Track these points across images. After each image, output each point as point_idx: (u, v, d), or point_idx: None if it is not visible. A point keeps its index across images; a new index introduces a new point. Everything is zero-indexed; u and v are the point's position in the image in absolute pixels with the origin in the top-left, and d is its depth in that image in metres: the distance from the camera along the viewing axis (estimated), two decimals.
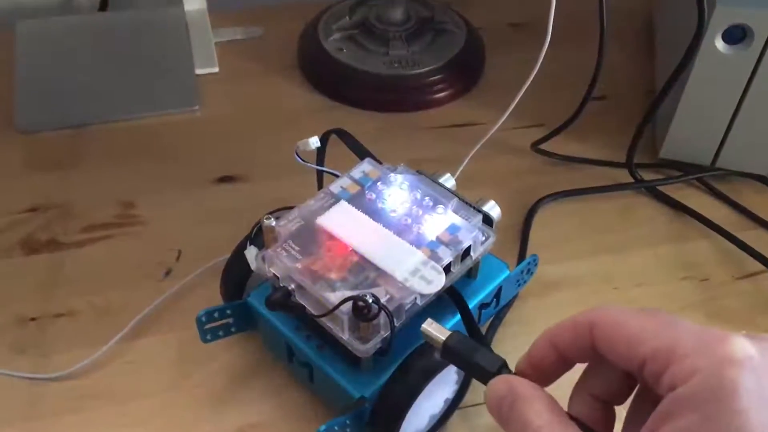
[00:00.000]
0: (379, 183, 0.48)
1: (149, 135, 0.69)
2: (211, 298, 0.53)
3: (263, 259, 0.44)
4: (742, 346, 0.26)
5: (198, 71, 0.75)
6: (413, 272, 0.42)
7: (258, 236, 0.48)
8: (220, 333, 0.48)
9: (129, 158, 0.67)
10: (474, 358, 0.33)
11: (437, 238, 0.45)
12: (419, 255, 0.43)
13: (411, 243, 0.44)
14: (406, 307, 0.42)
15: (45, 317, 0.54)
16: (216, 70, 0.75)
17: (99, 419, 0.49)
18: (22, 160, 0.66)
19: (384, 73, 0.72)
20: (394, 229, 0.45)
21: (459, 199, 0.47)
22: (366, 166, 0.50)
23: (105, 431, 0.49)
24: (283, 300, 0.43)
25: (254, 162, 0.66)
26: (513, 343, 0.53)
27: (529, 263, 0.52)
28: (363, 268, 0.43)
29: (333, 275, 0.43)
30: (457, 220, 0.46)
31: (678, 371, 0.26)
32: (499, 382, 0.31)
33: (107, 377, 0.51)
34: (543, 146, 0.66)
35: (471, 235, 0.45)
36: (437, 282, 0.42)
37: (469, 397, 0.49)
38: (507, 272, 0.51)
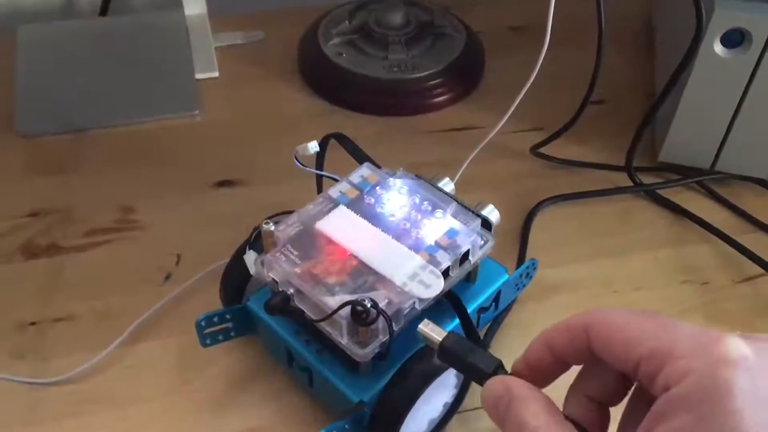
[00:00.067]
0: (377, 187, 0.48)
1: (149, 139, 0.69)
2: (210, 302, 0.53)
3: (262, 263, 0.44)
4: (736, 346, 0.26)
5: (198, 76, 0.75)
6: (412, 277, 0.42)
7: (257, 241, 0.48)
8: (220, 337, 0.48)
9: (129, 163, 0.67)
10: (470, 358, 0.33)
11: (436, 242, 0.45)
12: (418, 259, 0.43)
13: (410, 247, 0.44)
14: (405, 312, 0.42)
15: (45, 322, 0.54)
16: (216, 74, 0.75)
17: (99, 424, 0.49)
18: (22, 165, 0.66)
19: (383, 78, 0.72)
20: (393, 233, 0.45)
21: (458, 203, 0.47)
22: (365, 170, 0.50)
23: None
24: (282, 304, 0.43)
25: (254, 166, 0.66)
26: (512, 347, 0.53)
27: (528, 267, 0.52)
28: (362, 272, 0.43)
29: (332, 280, 0.43)
30: (456, 224, 0.46)
31: (672, 372, 0.26)
32: (495, 382, 0.31)
33: (107, 382, 0.51)
34: (542, 150, 0.66)
35: (469, 239, 0.45)
36: (436, 286, 0.42)
37: (468, 402, 0.49)
38: (506, 276, 0.51)
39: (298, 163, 0.49)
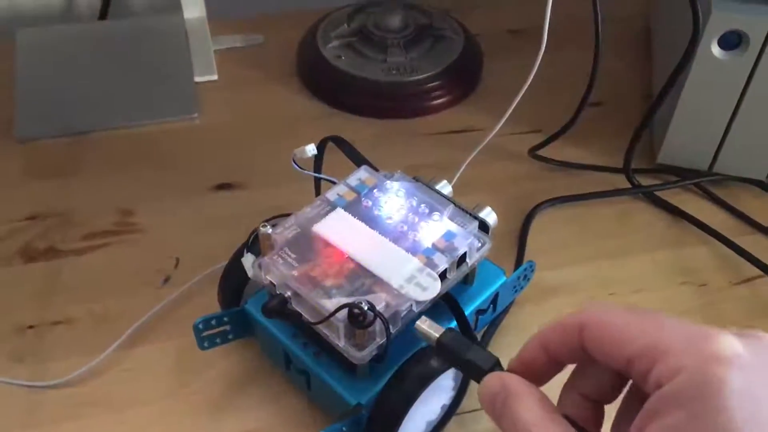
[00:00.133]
0: (375, 190, 0.48)
1: (148, 143, 0.69)
2: (209, 305, 0.53)
3: (260, 266, 0.44)
4: (729, 343, 0.26)
5: (197, 79, 0.75)
6: (409, 279, 0.42)
7: (255, 244, 0.48)
8: (218, 340, 0.48)
9: (128, 166, 0.67)
10: (468, 355, 0.34)
11: (433, 245, 0.45)
12: (415, 262, 0.43)
13: (407, 250, 0.44)
14: (402, 314, 0.42)
15: (43, 325, 0.54)
16: (215, 77, 0.75)
17: (97, 427, 0.49)
18: (21, 168, 0.66)
19: (382, 80, 0.72)
20: (390, 236, 0.45)
21: (455, 205, 0.48)
22: (362, 173, 0.50)
23: None
24: (279, 307, 0.43)
25: (253, 169, 0.66)
26: (509, 349, 0.52)
27: (525, 269, 0.53)
28: (359, 275, 0.43)
29: (329, 282, 0.43)
30: (453, 226, 0.46)
31: (664, 369, 0.26)
32: (492, 378, 0.31)
33: (105, 385, 0.51)
34: (540, 152, 0.66)
35: (467, 241, 0.45)
36: (432, 289, 0.42)
37: (465, 403, 0.49)
38: (503, 278, 0.51)
39: (295, 166, 0.49)
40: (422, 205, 0.47)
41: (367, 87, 0.72)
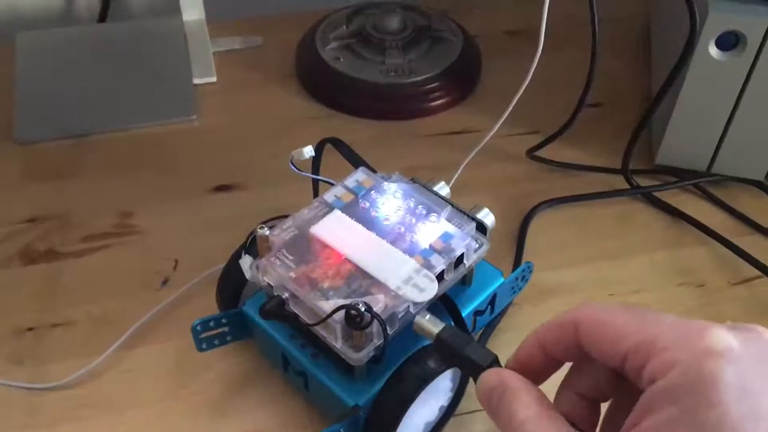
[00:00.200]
0: (372, 192, 0.48)
1: (147, 145, 0.69)
2: (208, 307, 0.53)
3: (257, 268, 0.44)
4: (722, 337, 0.26)
5: (196, 81, 0.75)
6: (406, 280, 0.42)
7: (253, 245, 0.48)
8: (216, 342, 0.48)
9: (127, 168, 0.67)
10: (466, 351, 0.34)
11: (430, 246, 0.45)
12: (412, 263, 0.43)
13: (404, 251, 0.44)
14: (399, 316, 0.42)
15: (42, 327, 0.55)
16: (214, 79, 0.76)
17: (96, 428, 0.49)
18: (20, 171, 0.66)
19: (381, 82, 0.72)
20: (388, 237, 0.45)
21: (452, 206, 0.48)
22: (360, 174, 0.50)
23: None
24: (276, 309, 0.43)
25: (251, 171, 0.66)
26: (507, 350, 0.52)
27: (523, 270, 0.53)
28: (356, 276, 0.43)
29: (326, 284, 0.43)
30: (450, 228, 0.46)
31: (658, 364, 0.26)
32: (490, 374, 0.32)
33: (104, 387, 0.51)
34: (539, 153, 0.66)
35: (464, 242, 0.45)
36: (430, 290, 0.42)
37: (464, 405, 0.49)
38: (501, 279, 0.51)
39: (293, 168, 0.49)
40: (420, 207, 0.47)
41: (365, 88, 0.72)
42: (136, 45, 0.78)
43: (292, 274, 0.43)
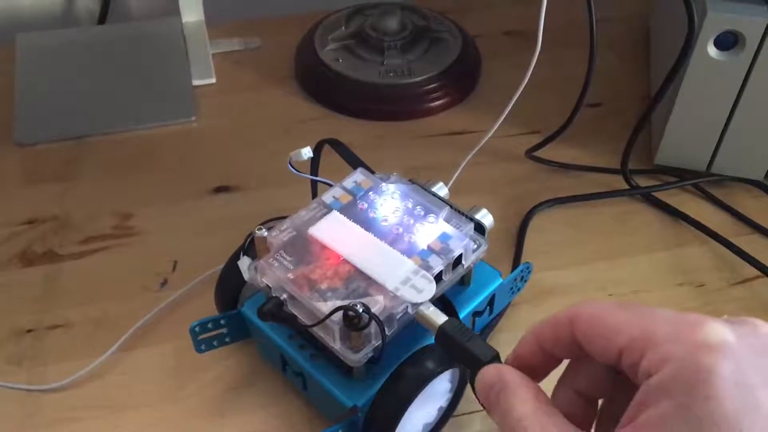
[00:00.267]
0: (370, 192, 0.48)
1: (147, 146, 0.69)
2: (207, 308, 0.53)
3: (256, 269, 0.44)
4: (717, 331, 0.25)
5: (195, 82, 0.75)
6: (404, 281, 0.42)
7: (251, 246, 0.48)
8: (215, 343, 0.48)
9: (126, 170, 0.67)
10: (468, 345, 0.34)
11: (428, 246, 0.45)
12: (410, 264, 0.43)
13: (402, 252, 0.44)
14: (398, 317, 0.42)
15: (41, 329, 0.55)
16: (213, 81, 0.76)
17: (96, 430, 0.49)
18: (20, 173, 0.66)
19: (379, 82, 0.72)
20: (386, 238, 0.45)
21: (451, 207, 0.48)
22: (358, 175, 0.50)
23: None
24: (275, 310, 0.43)
25: (251, 172, 0.67)
26: (506, 351, 0.53)
27: (522, 271, 0.53)
28: (354, 277, 0.43)
29: (324, 285, 0.43)
30: (449, 228, 0.46)
31: (653, 359, 0.26)
32: (489, 369, 0.32)
33: (104, 388, 0.51)
34: (538, 153, 0.66)
35: (462, 243, 0.45)
36: (428, 291, 0.42)
37: (462, 406, 0.49)
38: (500, 280, 0.51)
39: (292, 169, 0.49)
40: (418, 207, 0.47)
41: (364, 89, 0.72)
42: (136, 46, 0.78)
43: (291, 276, 0.43)
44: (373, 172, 0.51)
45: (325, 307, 0.41)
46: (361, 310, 0.40)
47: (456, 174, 0.62)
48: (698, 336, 0.25)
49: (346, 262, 0.44)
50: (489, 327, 0.54)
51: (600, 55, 0.57)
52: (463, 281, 0.49)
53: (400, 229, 0.46)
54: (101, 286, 0.57)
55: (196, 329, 0.47)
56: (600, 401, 0.32)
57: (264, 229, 0.45)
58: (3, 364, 0.52)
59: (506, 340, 0.54)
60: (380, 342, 0.41)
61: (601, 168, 0.66)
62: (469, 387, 0.46)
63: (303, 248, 0.45)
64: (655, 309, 0.28)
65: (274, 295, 0.43)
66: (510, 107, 0.57)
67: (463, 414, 0.50)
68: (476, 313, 0.50)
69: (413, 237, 0.45)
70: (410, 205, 0.48)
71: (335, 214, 0.46)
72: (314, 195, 0.53)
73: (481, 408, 0.32)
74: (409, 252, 0.44)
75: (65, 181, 0.66)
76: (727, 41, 0.57)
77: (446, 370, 0.44)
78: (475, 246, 0.46)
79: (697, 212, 0.63)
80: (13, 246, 0.60)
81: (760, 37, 0.56)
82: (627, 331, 0.27)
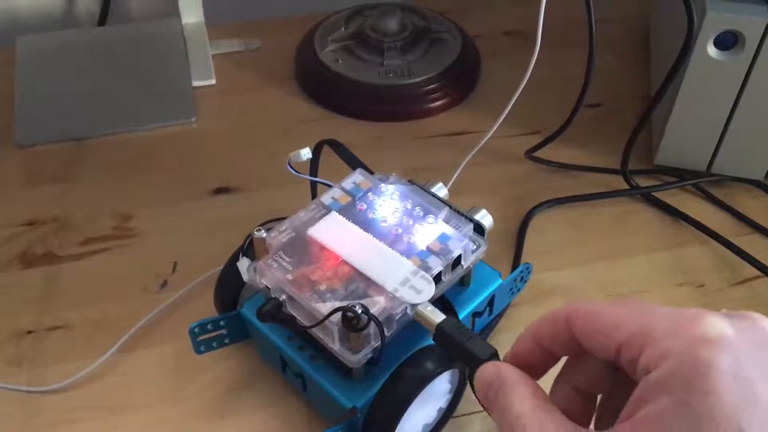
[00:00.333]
0: (369, 193, 0.48)
1: (147, 147, 0.69)
2: (207, 309, 0.53)
3: (255, 270, 0.44)
4: (716, 325, 0.25)
5: (195, 83, 0.75)
6: (403, 282, 0.42)
7: (250, 248, 0.48)
8: (214, 344, 0.48)
9: (126, 171, 0.67)
10: (466, 343, 0.34)
11: (427, 247, 0.45)
12: (409, 265, 0.43)
13: (401, 253, 0.44)
14: (397, 317, 0.42)
15: (42, 330, 0.55)
16: (213, 82, 0.76)
17: (95, 431, 0.49)
18: (20, 174, 0.67)
19: (379, 83, 0.72)
20: (385, 239, 0.45)
21: (450, 208, 0.48)
22: (357, 176, 0.50)
23: None
24: (274, 311, 0.43)
25: (250, 173, 0.67)
26: (506, 351, 0.53)
27: (522, 271, 0.52)
28: (353, 278, 0.43)
29: (323, 286, 0.43)
30: (448, 229, 0.46)
31: (652, 355, 0.26)
32: (488, 367, 0.32)
33: (104, 389, 0.51)
34: (538, 153, 0.66)
35: (461, 244, 0.45)
36: (427, 292, 0.42)
37: (462, 407, 0.49)
38: (500, 280, 0.51)
39: (291, 170, 0.49)
40: (417, 208, 0.47)
41: (364, 90, 0.72)
42: (136, 48, 0.78)
43: (290, 277, 0.43)
44: (372, 173, 0.51)
45: (324, 308, 0.41)
46: (360, 311, 0.40)
47: (456, 174, 0.62)
48: (696, 330, 0.25)
49: (345, 263, 0.44)
50: (489, 328, 0.54)
51: (599, 55, 0.57)
52: (463, 282, 0.49)
53: (399, 230, 0.46)
54: (101, 288, 0.57)
55: (196, 330, 0.47)
56: (598, 397, 0.32)
57: (263, 230, 0.45)
58: (3, 365, 0.53)
59: (506, 341, 0.53)
60: (379, 343, 0.41)
61: (601, 168, 0.66)
62: (468, 388, 0.47)
63: (302, 249, 0.45)
64: (653, 305, 0.28)
65: (273, 296, 0.43)
66: (509, 107, 0.57)
67: (463, 415, 0.50)
68: (476, 314, 0.50)
69: (412, 238, 0.45)
70: (409, 206, 0.48)
71: (334, 215, 0.46)
72: (314, 196, 0.53)
73: (481, 409, 0.32)
74: (408, 253, 0.44)
75: (65, 182, 0.66)
76: (727, 41, 0.57)
77: (446, 370, 0.44)
78: (475, 247, 0.46)
79: (697, 212, 0.63)
80: (13, 247, 0.60)
81: (760, 37, 0.56)
82: (626, 327, 0.27)
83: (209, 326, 0.47)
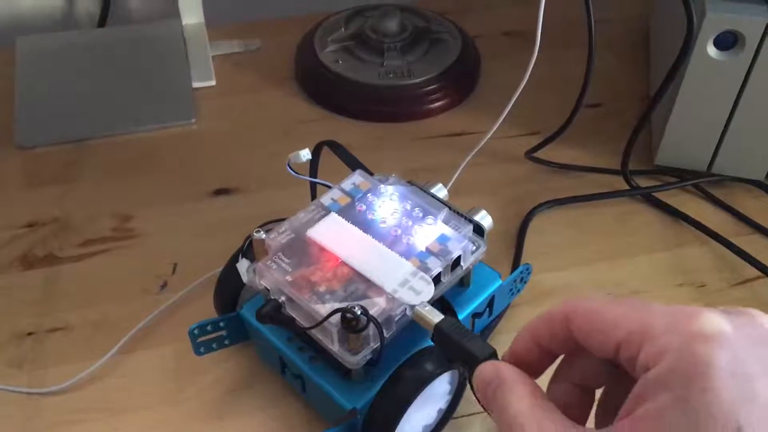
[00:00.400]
0: (369, 194, 0.48)
1: (147, 148, 0.69)
2: (207, 310, 0.53)
3: (254, 271, 0.44)
4: (714, 321, 0.25)
5: (195, 84, 0.75)
6: (402, 283, 0.42)
7: (250, 249, 0.48)
8: (214, 345, 0.48)
9: (126, 172, 0.67)
10: (465, 343, 0.34)
11: (427, 248, 0.45)
12: (408, 266, 0.43)
13: (400, 254, 0.44)
14: (396, 319, 0.42)
15: (42, 332, 0.55)
16: (213, 83, 0.76)
17: None
18: (20, 176, 0.67)
19: (379, 84, 0.72)
20: (384, 240, 0.45)
21: (449, 209, 0.48)
22: (357, 177, 0.50)
23: None
24: (273, 312, 0.43)
25: (250, 174, 0.67)
26: (504, 351, 0.53)
27: (521, 272, 0.52)
28: (353, 279, 0.43)
29: (323, 287, 0.43)
30: (447, 230, 0.46)
31: (651, 352, 0.26)
32: (486, 366, 0.32)
33: (104, 391, 0.52)
34: (537, 154, 0.66)
35: (461, 245, 0.45)
36: (426, 293, 0.42)
37: (462, 408, 0.49)
38: (500, 281, 0.51)
39: (291, 171, 0.49)
40: (416, 209, 0.47)
41: (364, 91, 0.72)
42: (136, 49, 0.78)
43: (289, 278, 0.43)
44: (371, 174, 0.51)
45: (324, 309, 0.41)
46: (359, 313, 0.40)
47: (455, 175, 0.62)
48: (694, 327, 0.25)
49: (344, 264, 0.44)
50: (489, 328, 0.54)
51: (599, 55, 0.57)
52: (463, 283, 0.49)
53: (399, 231, 0.46)
54: (101, 289, 0.57)
55: (195, 332, 0.47)
56: (597, 392, 0.32)
57: (262, 232, 0.45)
58: (3, 367, 0.53)
59: (506, 342, 0.53)
60: (379, 344, 0.41)
61: (601, 168, 0.66)
62: (468, 389, 0.47)
63: (301, 250, 0.45)
64: (650, 302, 0.28)
65: (272, 297, 0.43)
66: (509, 108, 0.57)
67: (463, 416, 0.50)
68: (476, 315, 0.50)
69: (412, 239, 0.45)
70: (409, 207, 0.48)
71: (333, 216, 0.46)
72: (314, 197, 0.53)
73: (481, 410, 0.32)
74: (407, 254, 0.44)
75: (65, 183, 0.66)
76: (727, 41, 0.57)
77: (445, 371, 0.44)
78: (474, 247, 0.46)
79: (697, 212, 0.63)
80: (13, 249, 0.60)
81: (760, 37, 0.56)
82: (625, 325, 0.27)
83: (209, 327, 0.47)
